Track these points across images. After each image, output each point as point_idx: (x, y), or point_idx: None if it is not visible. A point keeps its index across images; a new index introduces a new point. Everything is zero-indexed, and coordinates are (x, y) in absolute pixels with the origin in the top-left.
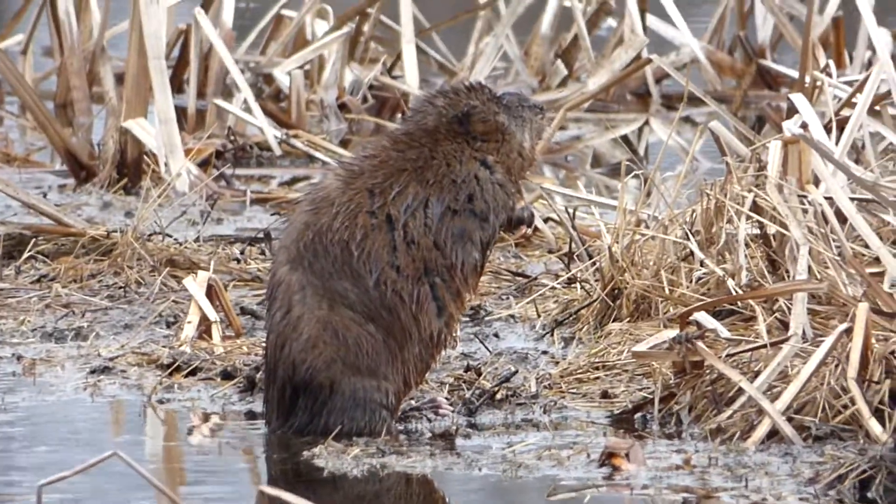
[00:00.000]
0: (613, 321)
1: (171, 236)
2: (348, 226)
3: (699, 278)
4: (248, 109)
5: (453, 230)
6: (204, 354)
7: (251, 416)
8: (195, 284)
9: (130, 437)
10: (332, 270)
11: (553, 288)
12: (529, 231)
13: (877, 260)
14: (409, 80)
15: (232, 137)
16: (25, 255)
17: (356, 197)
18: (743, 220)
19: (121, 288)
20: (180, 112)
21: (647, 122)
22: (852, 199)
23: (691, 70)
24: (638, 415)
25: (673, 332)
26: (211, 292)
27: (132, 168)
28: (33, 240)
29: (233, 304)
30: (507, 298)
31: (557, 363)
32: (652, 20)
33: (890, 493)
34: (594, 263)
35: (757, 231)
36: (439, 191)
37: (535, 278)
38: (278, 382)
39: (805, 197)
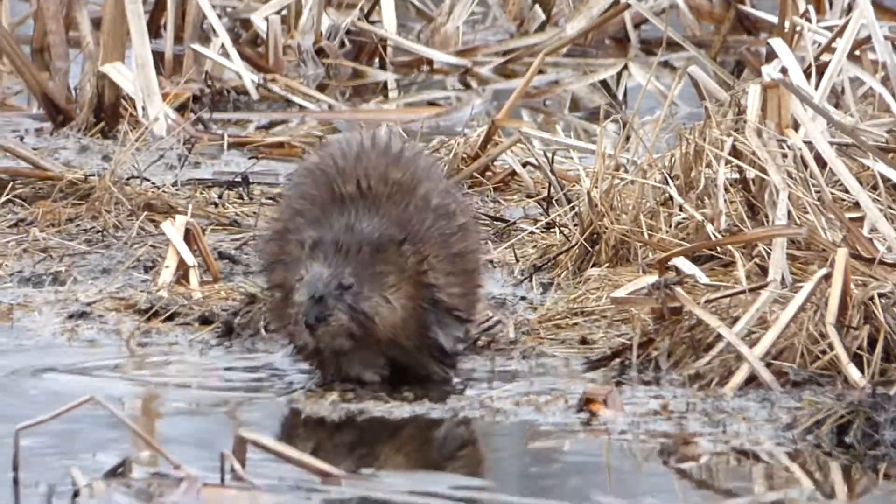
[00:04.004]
0: (592, 266)
1: (148, 180)
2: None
3: (678, 223)
4: (225, 54)
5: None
6: (181, 299)
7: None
8: (173, 229)
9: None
10: None
11: (531, 233)
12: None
13: (856, 205)
14: (387, 25)
15: (209, 82)
16: (2, 199)
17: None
18: (722, 164)
19: (98, 232)
20: (157, 57)
21: (625, 67)
22: (832, 144)
23: (670, 15)
24: (616, 360)
25: (652, 278)
26: (189, 236)
27: (109, 112)
28: (10, 183)
29: (211, 249)
30: (486, 243)
31: (536, 309)
32: None
33: (867, 438)
34: (573, 208)
35: (736, 176)
36: None
37: (514, 223)
38: None
39: (784, 141)
